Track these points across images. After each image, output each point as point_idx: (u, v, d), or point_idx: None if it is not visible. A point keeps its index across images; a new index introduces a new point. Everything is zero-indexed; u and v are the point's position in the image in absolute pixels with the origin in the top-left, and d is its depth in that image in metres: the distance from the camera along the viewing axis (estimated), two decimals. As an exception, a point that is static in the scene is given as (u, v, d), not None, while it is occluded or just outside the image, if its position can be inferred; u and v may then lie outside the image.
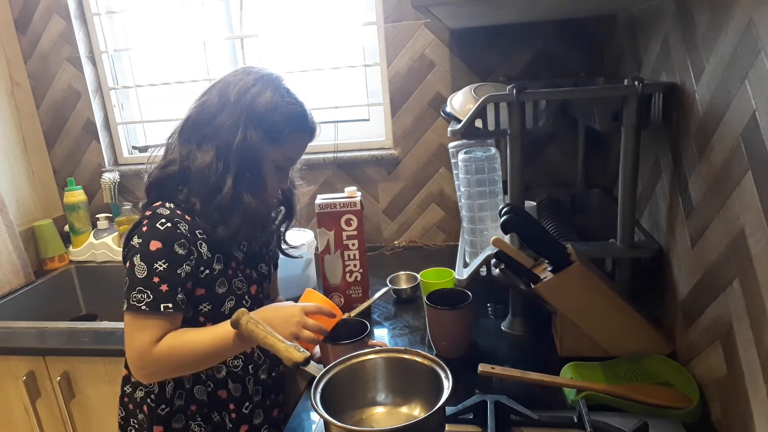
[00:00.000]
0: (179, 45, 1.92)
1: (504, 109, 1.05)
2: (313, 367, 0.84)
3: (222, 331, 0.93)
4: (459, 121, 1.18)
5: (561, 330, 1.07)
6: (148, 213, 0.97)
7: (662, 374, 0.96)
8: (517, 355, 1.14)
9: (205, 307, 1.02)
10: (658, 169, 1.10)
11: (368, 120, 1.87)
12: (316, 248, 1.46)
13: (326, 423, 0.74)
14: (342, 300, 1.38)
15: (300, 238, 1.49)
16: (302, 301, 1.09)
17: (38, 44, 1.93)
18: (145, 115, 2.07)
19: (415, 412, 0.86)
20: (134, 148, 2.06)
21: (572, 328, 1.05)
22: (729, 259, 0.80)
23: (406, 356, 0.86)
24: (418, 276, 1.40)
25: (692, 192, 0.93)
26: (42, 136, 2.03)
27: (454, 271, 1.26)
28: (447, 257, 1.64)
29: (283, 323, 0.95)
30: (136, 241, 0.94)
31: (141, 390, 1.06)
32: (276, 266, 1.26)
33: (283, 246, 1.22)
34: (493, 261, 1.05)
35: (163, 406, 1.04)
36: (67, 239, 1.97)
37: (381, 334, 1.27)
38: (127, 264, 0.94)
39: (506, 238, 1.10)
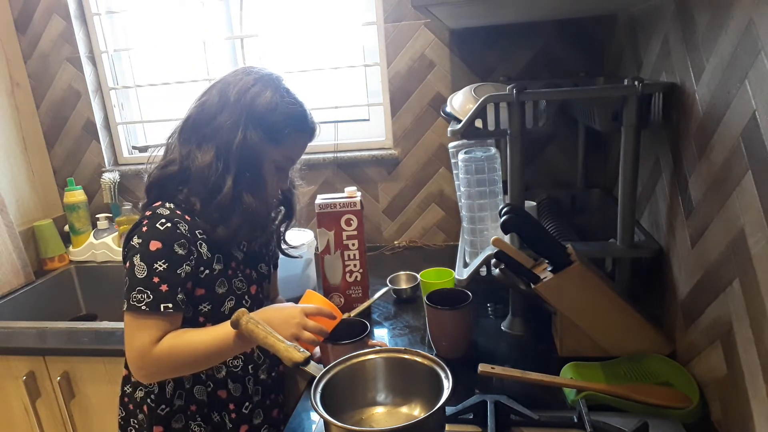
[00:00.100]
0: (179, 45, 1.92)
1: (504, 109, 1.05)
2: (313, 367, 0.84)
3: (222, 331, 0.93)
4: (459, 121, 1.18)
5: (561, 330, 1.07)
6: (148, 213, 0.97)
7: (662, 374, 0.96)
8: (517, 355, 1.14)
9: (205, 307, 1.02)
10: (658, 169, 1.10)
11: (368, 120, 1.87)
12: (316, 248, 1.46)
13: (326, 423, 0.74)
14: (342, 300, 1.38)
15: (300, 238, 1.49)
16: (303, 302, 1.09)
17: (38, 44, 1.93)
18: (145, 115, 2.07)
19: (415, 412, 0.86)
20: (134, 148, 2.06)
21: (572, 328, 1.05)
22: (729, 259, 0.80)
23: (406, 356, 0.86)
24: (418, 276, 1.40)
25: (692, 192, 0.93)
26: (42, 136, 2.03)
27: (454, 271, 1.26)
28: (447, 257, 1.64)
29: (283, 324, 0.95)
30: (136, 241, 0.94)
31: (141, 390, 1.06)
32: (276, 266, 1.26)
33: (283, 246, 1.22)
34: (493, 261, 1.05)
35: (163, 406, 1.04)
36: (67, 239, 1.97)
37: (381, 334, 1.27)
38: (127, 264, 0.94)
39: (506, 238, 1.10)
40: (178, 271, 0.94)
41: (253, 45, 1.89)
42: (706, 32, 0.87)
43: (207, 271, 1.00)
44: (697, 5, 0.90)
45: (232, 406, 1.07)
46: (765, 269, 0.70)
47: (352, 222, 1.33)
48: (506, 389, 0.99)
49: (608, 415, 0.86)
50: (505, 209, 1.01)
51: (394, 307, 1.40)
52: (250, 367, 1.09)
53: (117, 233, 1.92)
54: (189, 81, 1.93)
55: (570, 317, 1.04)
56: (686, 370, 0.95)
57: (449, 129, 1.16)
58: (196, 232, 0.98)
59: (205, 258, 0.99)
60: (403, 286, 1.46)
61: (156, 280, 0.92)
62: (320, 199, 1.34)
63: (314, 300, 1.10)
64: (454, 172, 1.37)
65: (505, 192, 1.20)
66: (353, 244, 1.35)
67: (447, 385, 0.77)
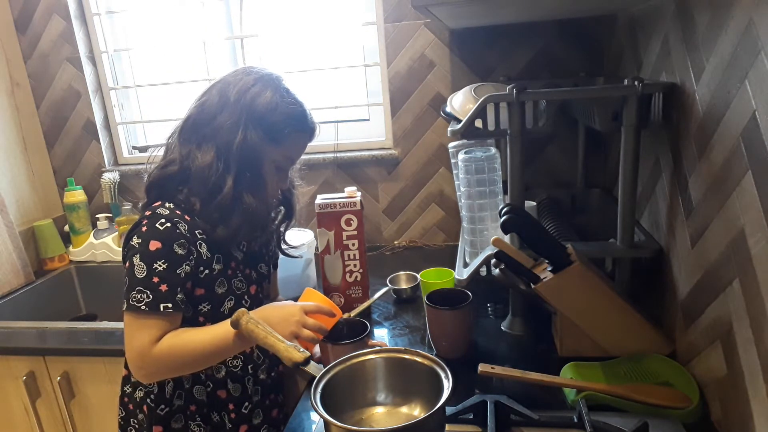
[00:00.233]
0: (179, 45, 1.92)
1: (504, 109, 1.05)
2: (313, 367, 0.83)
3: (222, 330, 0.93)
4: (459, 121, 1.18)
5: (561, 330, 1.07)
6: (147, 213, 0.97)
7: (662, 374, 0.96)
8: (517, 355, 1.14)
9: (204, 307, 1.02)
10: (658, 169, 1.10)
11: (368, 120, 1.87)
12: (316, 248, 1.46)
13: (326, 423, 0.74)
14: (342, 300, 1.38)
15: (300, 238, 1.49)
16: (302, 300, 1.09)
17: (38, 44, 1.93)
18: (145, 115, 2.07)
19: (415, 412, 0.86)
20: (134, 148, 2.06)
21: (572, 328, 1.05)
22: (729, 259, 0.80)
23: (406, 356, 0.86)
24: (418, 276, 1.40)
25: (692, 192, 0.93)
26: (42, 136, 2.03)
27: (454, 271, 1.26)
28: (447, 257, 1.64)
29: (283, 322, 0.95)
30: (135, 241, 0.94)
31: (141, 390, 1.06)
32: (276, 266, 1.26)
33: (283, 246, 1.22)
34: (493, 261, 1.05)
35: (163, 406, 1.04)
36: (67, 239, 1.97)
37: (381, 334, 1.27)
38: (127, 264, 0.94)
39: (506, 238, 1.10)
40: (178, 271, 0.94)
41: (253, 45, 1.89)
42: (706, 32, 0.87)
43: (207, 271, 1.00)
44: (697, 5, 0.90)
45: (231, 406, 1.07)
46: (765, 269, 0.70)
47: (352, 222, 1.33)
48: (506, 389, 0.99)
49: (608, 415, 0.86)
50: (505, 209, 1.01)
51: (394, 307, 1.40)
52: (249, 367, 1.09)
53: (117, 233, 1.92)
54: (189, 81, 1.93)
55: (570, 317, 1.04)
56: (686, 370, 0.95)
57: (449, 129, 1.16)
58: (196, 232, 0.98)
59: (204, 258, 0.99)
60: (403, 286, 1.46)
61: (156, 280, 0.92)
62: (320, 199, 1.34)
63: (313, 298, 1.10)
64: (454, 172, 1.37)
65: (505, 192, 1.20)
66: (353, 244, 1.35)
67: (447, 385, 0.77)
